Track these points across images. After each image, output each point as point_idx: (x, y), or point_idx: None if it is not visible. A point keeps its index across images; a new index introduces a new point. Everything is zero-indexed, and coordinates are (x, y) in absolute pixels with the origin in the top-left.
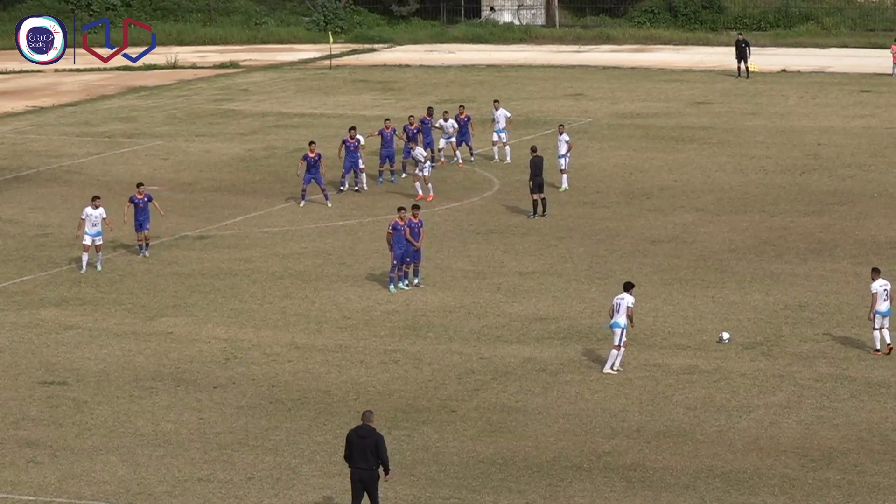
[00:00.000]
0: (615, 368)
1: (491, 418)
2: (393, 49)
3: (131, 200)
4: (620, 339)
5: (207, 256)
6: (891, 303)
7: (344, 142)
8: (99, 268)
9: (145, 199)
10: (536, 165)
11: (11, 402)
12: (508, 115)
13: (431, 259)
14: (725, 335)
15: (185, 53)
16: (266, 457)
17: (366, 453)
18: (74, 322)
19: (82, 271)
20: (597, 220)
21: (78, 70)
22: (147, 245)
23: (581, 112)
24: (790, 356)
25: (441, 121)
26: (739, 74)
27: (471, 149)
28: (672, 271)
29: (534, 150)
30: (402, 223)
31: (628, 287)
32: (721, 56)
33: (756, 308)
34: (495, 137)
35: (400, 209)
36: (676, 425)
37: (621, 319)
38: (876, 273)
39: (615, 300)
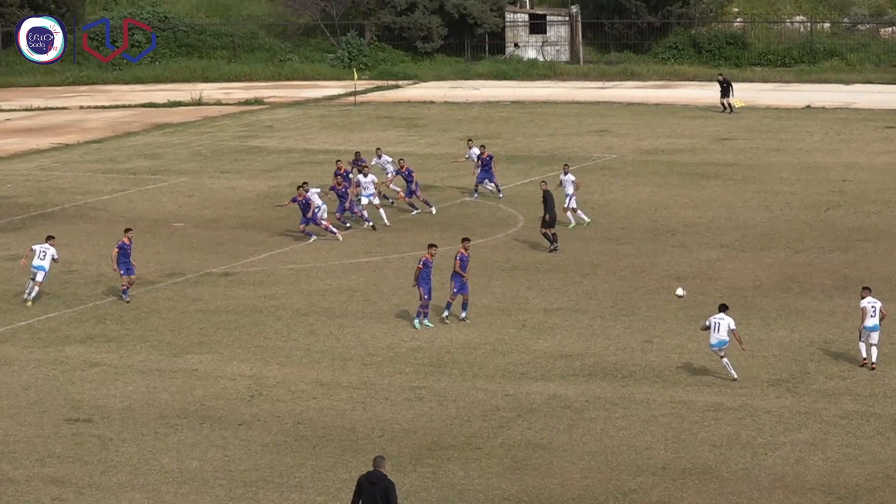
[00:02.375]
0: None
1: (516, 455)
2: (417, 85)
3: (119, 247)
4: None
5: (232, 293)
6: (878, 321)
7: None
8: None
9: (131, 245)
10: (548, 200)
11: (37, 440)
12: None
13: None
14: (680, 290)
15: (210, 90)
16: (291, 494)
17: (375, 499)
18: (99, 359)
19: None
20: (621, 256)
21: (103, 107)
22: (126, 290)
23: (605, 148)
24: (816, 393)
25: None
26: (725, 109)
27: (497, 186)
28: (697, 308)
29: (545, 184)
30: (431, 260)
31: (724, 308)
32: (746, 92)
33: (781, 345)
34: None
35: (430, 246)
36: (702, 462)
37: (724, 336)
38: (866, 291)
39: (712, 320)
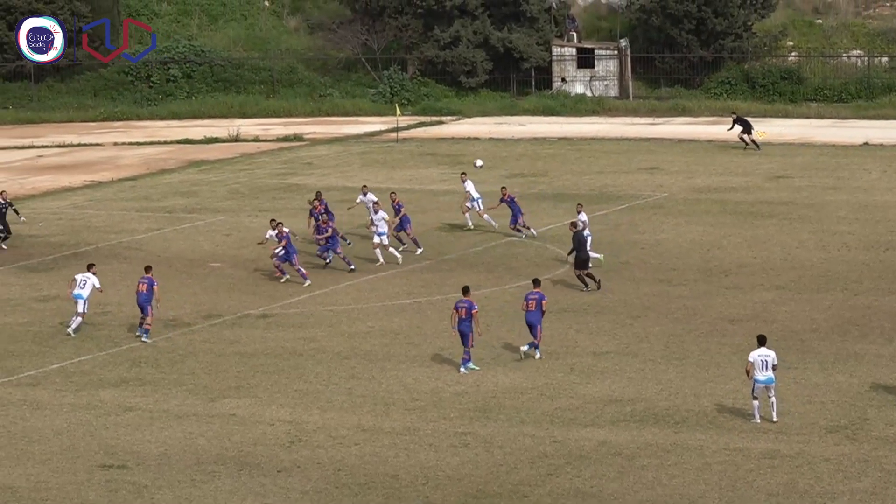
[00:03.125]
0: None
1: None
2: (461, 121)
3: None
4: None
5: (271, 335)
6: None
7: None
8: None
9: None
10: (579, 241)
11: (70, 487)
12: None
13: (503, 338)
14: (479, 162)
15: (248, 126)
16: None
17: None
18: (134, 403)
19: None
20: (673, 298)
21: (137, 143)
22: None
23: (656, 186)
24: (876, 440)
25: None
26: (748, 146)
27: (526, 226)
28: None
29: (574, 225)
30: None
31: (764, 340)
32: (801, 129)
33: (840, 390)
34: (469, 205)
35: (466, 290)
36: None
37: (772, 373)
38: None
39: (758, 358)
